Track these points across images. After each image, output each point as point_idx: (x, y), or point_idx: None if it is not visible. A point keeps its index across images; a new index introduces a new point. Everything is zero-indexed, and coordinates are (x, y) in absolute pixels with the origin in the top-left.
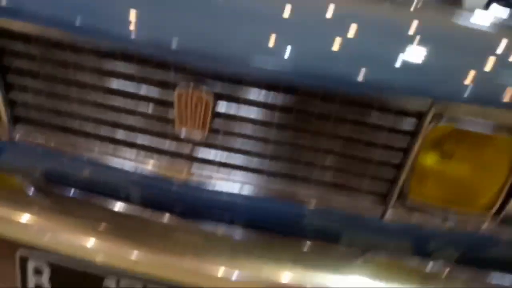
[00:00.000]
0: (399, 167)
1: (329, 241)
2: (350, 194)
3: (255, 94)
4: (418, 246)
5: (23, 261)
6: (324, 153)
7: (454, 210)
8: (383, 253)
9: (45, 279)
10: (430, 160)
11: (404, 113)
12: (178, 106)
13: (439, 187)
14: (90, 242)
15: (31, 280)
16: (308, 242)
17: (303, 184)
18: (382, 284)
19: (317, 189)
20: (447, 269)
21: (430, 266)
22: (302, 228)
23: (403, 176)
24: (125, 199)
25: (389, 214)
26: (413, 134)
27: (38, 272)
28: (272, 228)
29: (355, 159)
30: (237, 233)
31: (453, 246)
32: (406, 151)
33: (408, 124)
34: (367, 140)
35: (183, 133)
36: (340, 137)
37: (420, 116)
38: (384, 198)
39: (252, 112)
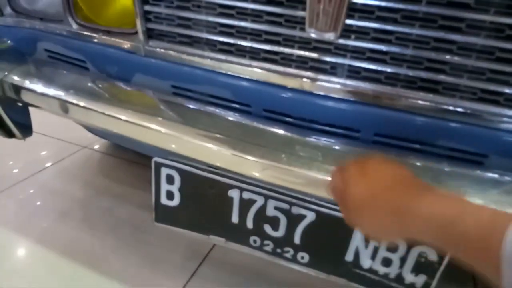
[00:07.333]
0: None
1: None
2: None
3: None
4: None
5: (158, 167)
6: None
7: None
8: None
9: (176, 186)
10: None
11: None
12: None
13: None
14: (215, 149)
15: (164, 186)
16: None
17: (444, 93)
18: None
19: (464, 100)
20: None
21: None
22: (434, 145)
23: None
24: (250, 111)
25: None
26: None
27: (170, 179)
28: (403, 144)
29: None
30: (361, 146)
31: None
32: None
33: None
34: None
35: (313, 35)
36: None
37: None
38: None
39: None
